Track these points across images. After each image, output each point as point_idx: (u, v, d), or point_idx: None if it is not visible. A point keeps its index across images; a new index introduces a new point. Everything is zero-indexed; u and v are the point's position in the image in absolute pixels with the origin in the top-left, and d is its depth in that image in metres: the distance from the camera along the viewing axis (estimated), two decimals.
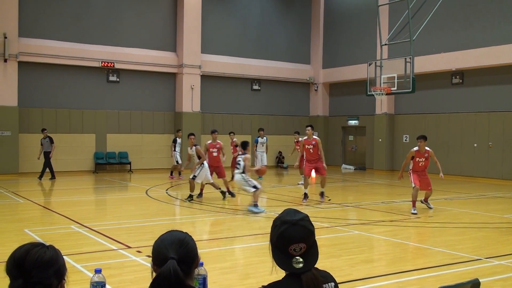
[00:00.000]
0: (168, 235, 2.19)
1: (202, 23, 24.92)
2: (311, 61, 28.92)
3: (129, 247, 8.50)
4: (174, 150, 21.22)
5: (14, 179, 19.92)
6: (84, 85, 22.95)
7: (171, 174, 21.13)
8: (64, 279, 2.12)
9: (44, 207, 13.21)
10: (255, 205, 12.39)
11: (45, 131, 20.06)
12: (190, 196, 14.07)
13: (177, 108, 24.89)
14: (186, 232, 2.23)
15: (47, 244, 2.14)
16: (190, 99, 24.57)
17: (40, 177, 19.91)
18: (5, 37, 20.44)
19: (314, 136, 14.44)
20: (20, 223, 10.99)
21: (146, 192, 16.26)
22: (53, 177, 20.05)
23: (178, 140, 21.36)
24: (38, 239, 8.68)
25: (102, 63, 22.90)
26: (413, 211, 12.27)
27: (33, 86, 21.83)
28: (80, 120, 22.80)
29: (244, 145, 13.01)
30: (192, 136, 15.38)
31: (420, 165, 12.82)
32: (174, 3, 24.89)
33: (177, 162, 21.05)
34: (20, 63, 21.19)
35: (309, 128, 14.51)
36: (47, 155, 19.89)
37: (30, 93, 21.73)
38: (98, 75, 23.23)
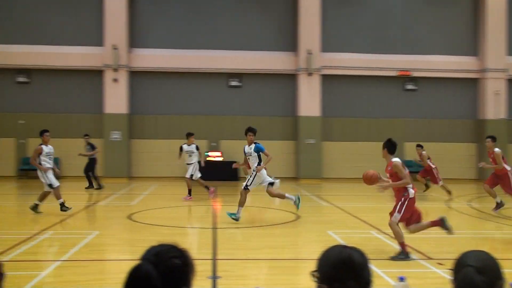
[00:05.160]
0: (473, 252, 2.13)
1: (509, 24, 22.92)
2: None
3: (430, 258, 8.22)
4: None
5: (316, 184, 21.35)
6: (380, 94, 23.39)
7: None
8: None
9: (346, 211, 13.77)
10: None
11: (87, 137, 18.71)
12: None
13: (479, 115, 23.34)
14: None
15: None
16: (494, 106, 22.77)
17: (93, 185, 18.49)
18: (309, 53, 22.24)
19: (495, 149, 12.92)
20: (323, 225, 11.65)
21: (447, 203, 15.57)
22: (90, 186, 18.43)
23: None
24: (341, 242, 9.04)
25: (398, 72, 23.02)
26: None
27: (334, 97, 23.20)
28: (377, 128, 23.30)
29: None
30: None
31: None
32: (473, 5, 23.48)
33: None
34: (323, 76, 22.79)
35: (489, 139, 13.18)
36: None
37: (332, 104, 23.16)
38: (394, 84, 23.43)
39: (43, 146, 12.64)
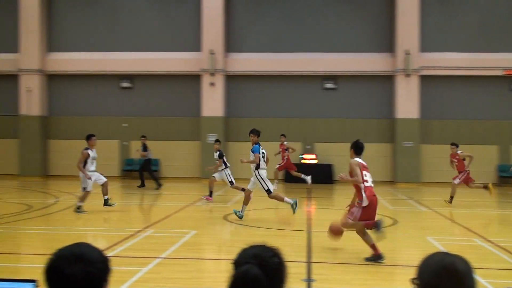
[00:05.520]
0: None
1: None
2: None
3: None
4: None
5: (415, 188, 20.66)
6: (483, 95, 22.26)
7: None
8: None
9: (446, 217, 13.20)
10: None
11: (143, 138, 19.46)
12: None
13: None
14: None
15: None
16: None
17: (159, 186, 18.95)
18: (407, 54, 21.60)
19: None
20: (423, 230, 11.25)
21: None
22: (142, 185, 19.11)
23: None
24: (442, 249, 8.67)
25: (504, 71, 21.79)
26: None
27: (434, 99, 22.35)
28: (481, 130, 22.19)
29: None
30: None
31: None
32: None
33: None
34: (422, 77, 22.03)
35: None
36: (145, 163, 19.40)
37: (432, 106, 22.32)
38: (499, 84, 22.18)
39: (89, 151, 12.69)
